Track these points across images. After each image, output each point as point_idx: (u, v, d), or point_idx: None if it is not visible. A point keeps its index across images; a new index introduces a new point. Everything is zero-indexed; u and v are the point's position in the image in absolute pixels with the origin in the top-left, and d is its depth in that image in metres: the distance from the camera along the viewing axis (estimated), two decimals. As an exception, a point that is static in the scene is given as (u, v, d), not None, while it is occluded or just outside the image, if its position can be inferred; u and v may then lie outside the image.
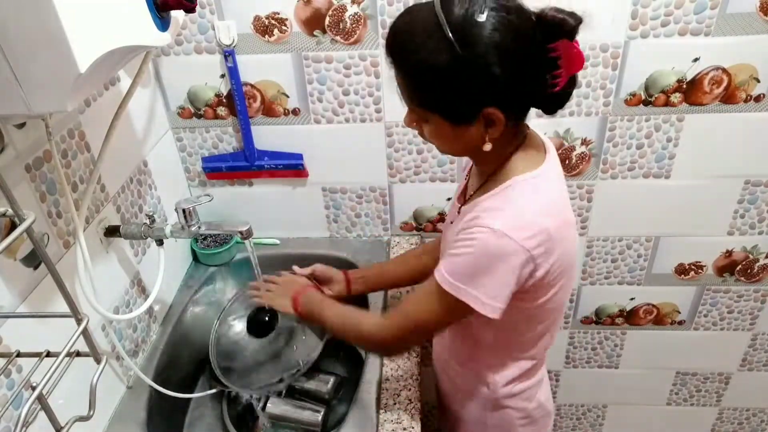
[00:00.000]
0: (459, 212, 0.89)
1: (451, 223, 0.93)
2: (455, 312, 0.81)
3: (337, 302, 1.05)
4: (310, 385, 1.18)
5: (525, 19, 0.69)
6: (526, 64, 0.69)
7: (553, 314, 0.90)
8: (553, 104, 0.77)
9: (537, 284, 0.79)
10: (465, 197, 0.91)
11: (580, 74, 1.17)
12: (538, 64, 0.70)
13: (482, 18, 0.66)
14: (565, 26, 0.68)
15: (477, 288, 0.76)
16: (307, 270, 1.17)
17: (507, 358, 0.95)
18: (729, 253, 1.44)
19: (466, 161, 1.00)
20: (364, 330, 0.93)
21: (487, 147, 0.76)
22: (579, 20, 0.69)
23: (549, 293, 0.83)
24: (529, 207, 0.77)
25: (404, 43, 0.71)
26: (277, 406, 1.14)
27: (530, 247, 0.74)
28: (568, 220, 0.82)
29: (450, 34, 0.66)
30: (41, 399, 0.60)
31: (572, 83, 0.74)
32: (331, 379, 1.18)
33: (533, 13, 0.71)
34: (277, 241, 1.46)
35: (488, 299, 0.76)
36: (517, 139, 0.81)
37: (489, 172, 0.83)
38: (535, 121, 1.24)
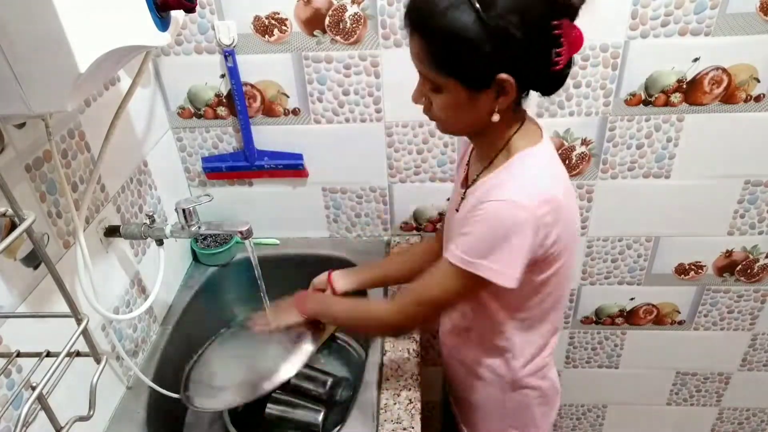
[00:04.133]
0: (464, 197, 0.90)
1: (456, 210, 0.93)
2: (471, 289, 0.83)
3: (342, 297, 1.07)
4: (308, 385, 1.18)
5: None
6: (539, 34, 0.72)
7: (561, 287, 0.91)
8: (552, 84, 0.80)
9: (546, 253, 0.82)
10: (467, 183, 0.93)
11: (580, 74, 1.18)
12: (546, 38, 0.73)
13: None
14: (568, 4, 0.72)
15: (493, 260, 0.78)
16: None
17: (520, 336, 0.96)
18: (729, 253, 1.44)
19: (462, 152, 1.00)
20: (374, 315, 0.96)
21: (496, 117, 0.78)
22: (582, 1, 0.73)
23: (556, 264, 0.85)
24: (536, 176, 0.80)
25: (427, 6, 0.73)
26: (276, 407, 1.14)
27: (541, 214, 0.77)
28: (569, 189, 0.86)
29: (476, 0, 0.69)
30: (41, 399, 0.60)
31: (569, 65, 0.77)
32: (329, 380, 1.18)
33: None
34: (277, 241, 1.46)
35: (506, 268, 0.78)
36: (517, 121, 0.84)
37: (492, 155, 0.85)
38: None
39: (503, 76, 0.73)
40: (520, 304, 0.92)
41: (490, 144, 0.86)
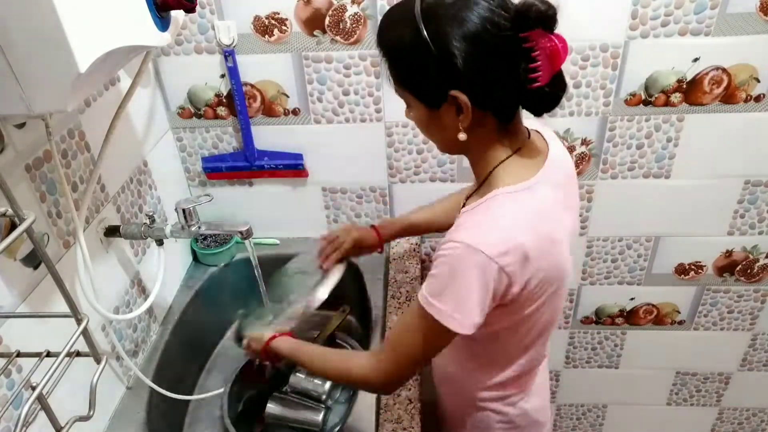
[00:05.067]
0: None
1: None
2: (437, 335, 0.77)
3: (312, 344, 1.02)
4: (307, 384, 1.18)
5: (500, 7, 0.69)
6: (491, 50, 0.68)
7: (538, 327, 0.86)
8: (538, 103, 0.73)
9: (515, 299, 0.77)
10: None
11: (580, 74, 1.18)
12: (507, 53, 0.68)
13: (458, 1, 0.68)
14: (532, 12, 0.66)
15: (449, 305, 0.73)
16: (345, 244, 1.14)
17: (491, 365, 0.94)
18: (729, 253, 1.44)
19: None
20: (355, 374, 0.88)
21: (462, 136, 0.74)
22: (549, 6, 0.67)
23: (531, 307, 0.80)
24: (505, 221, 0.74)
25: (382, 23, 0.75)
26: (276, 407, 1.14)
27: (504, 264, 0.71)
28: (552, 236, 0.77)
29: (418, 12, 0.69)
30: (41, 399, 0.60)
31: (559, 83, 0.72)
32: (328, 383, 1.18)
33: (513, 5, 0.69)
34: (277, 241, 1.46)
35: (459, 315, 0.74)
36: (507, 144, 0.78)
37: (480, 179, 0.81)
38: (535, 120, 1.25)
39: (454, 92, 0.70)
40: (493, 341, 0.88)
41: (478, 168, 0.81)
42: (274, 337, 1.00)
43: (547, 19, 0.67)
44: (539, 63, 0.67)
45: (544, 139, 0.84)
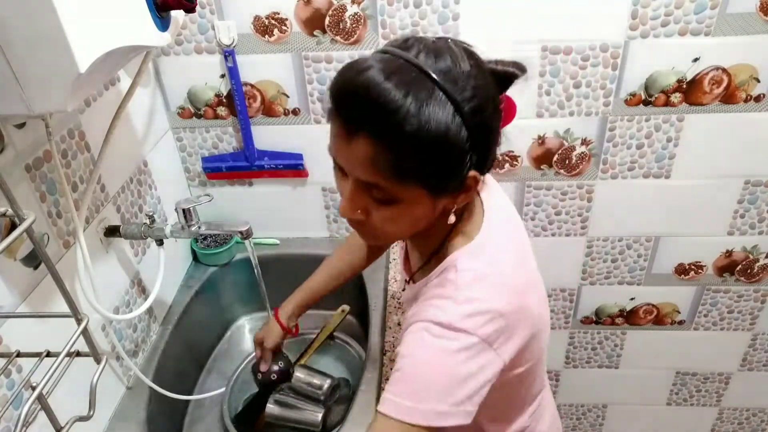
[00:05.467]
0: (407, 284, 0.82)
1: (403, 290, 0.86)
2: None
3: None
4: (307, 385, 1.18)
5: (486, 64, 0.63)
6: (498, 115, 0.63)
7: (533, 369, 0.77)
8: (490, 165, 0.67)
9: (508, 361, 0.67)
10: (409, 264, 0.83)
11: (580, 74, 1.18)
12: (499, 116, 0.64)
13: (465, 65, 0.58)
14: (513, 78, 0.63)
15: (440, 400, 0.62)
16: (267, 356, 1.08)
17: (504, 422, 0.85)
18: (729, 253, 1.44)
19: None
20: None
21: (452, 219, 0.67)
22: (524, 71, 0.64)
23: (517, 370, 0.72)
24: (476, 290, 0.65)
25: (389, 106, 0.54)
26: (276, 407, 1.14)
27: (486, 334, 0.63)
28: (520, 288, 0.70)
29: (448, 87, 0.55)
30: (41, 399, 0.60)
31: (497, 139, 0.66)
32: (328, 381, 1.18)
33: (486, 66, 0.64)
34: (277, 241, 1.46)
35: (453, 407, 0.62)
36: (460, 210, 0.70)
37: (428, 253, 0.73)
38: (535, 120, 1.25)
39: (473, 173, 0.61)
40: (496, 403, 0.75)
41: (424, 241, 0.73)
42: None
43: (517, 77, 0.64)
44: (501, 122, 0.65)
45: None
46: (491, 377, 0.65)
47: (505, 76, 0.64)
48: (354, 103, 0.57)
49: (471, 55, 0.60)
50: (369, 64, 0.57)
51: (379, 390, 1.06)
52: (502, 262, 0.70)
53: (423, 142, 0.55)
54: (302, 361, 1.25)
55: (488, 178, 0.74)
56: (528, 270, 0.74)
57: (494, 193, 0.76)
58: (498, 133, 0.64)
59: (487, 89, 0.60)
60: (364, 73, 0.56)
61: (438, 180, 0.60)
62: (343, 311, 1.31)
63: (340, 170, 0.65)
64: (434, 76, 0.55)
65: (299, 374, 1.19)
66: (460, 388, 0.62)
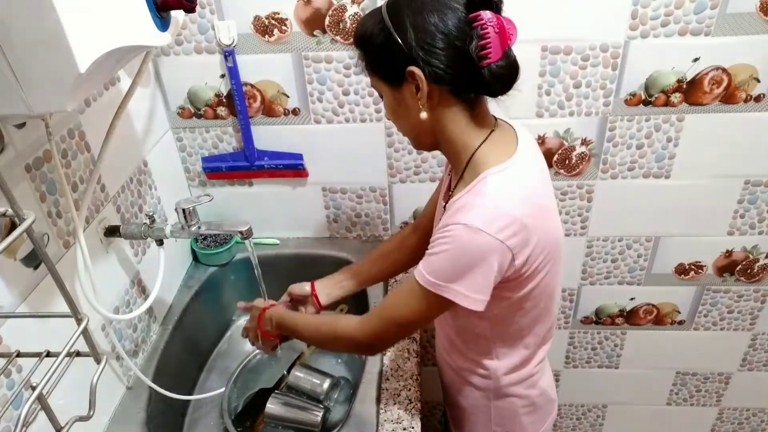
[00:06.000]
0: (444, 209, 0.90)
1: (440, 221, 0.93)
2: (437, 308, 0.83)
3: (307, 315, 1.09)
4: (306, 384, 1.18)
5: None
6: (441, 25, 0.74)
7: (543, 300, 0.90)
8: (492, 82, 0.75)
9: (518, 274, 0.81)
10: (448, 195, 0.93)
11: (580, 74, 1.18)
12: (456, 29, 0.74)
13: None
14: None
15: (458, 283, 0.78)
16: (283, 297, 1.17)
17: (504, 347, 0.96)
18: (729, 253, 1.44)
19: (446, 162, 1.00)
20: (342, 333, 0.93)
21: (423, 115, 0.79)
22: None
23: (534, 281, 0.84)
24: (500, 199, 0.78)
25: (359, 29, 0.82)
26: (276, 407, 1.14)
27: (505, 238, 0.75)
28: (544, 206, 0.84)
29: (384, 4, 0.78)
30: (41, 399, 0.60)
31: (512, 63, 0.76)
32: (327, 381, 1.18)
33: None
34: (277, 241, 1.46)
35: (470, 293, 0.78)
36: (479, 128, 0.82)
37: (461, 168, 0.84)
38: (535, 121, 1.25)
39: (411, 68, 0.76)
40: (502, 320, 0.91)
41: (456, 157, 0.85)
42: (264, 310, 1.06)
43: (493, 3, 0.74)
44: (489, 40, 0.73)
45: (512, 127, 0.88)
46: (503, 272, 0.79)
47: None
48: (354, 34, 0.84)
49: None
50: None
51: (379, 390, 1.06)
52: (528, 180, 0.83)
53: (362, 40, 0.81)
54: (301, 361, 1.25)
55: (523, 135, 0.87)
56: (551, 198, 0.88)
57: (527, 137, 0.89)
58: (454, 41, 0.74)
59: (433, 9, 0.74)
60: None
61: (381, 69, 0.81)
62: (341, 310, 1.31)
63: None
64: (384, 8, 0.78)
65: (299, 373, 1.19)
66: (478, 280, 0.77)
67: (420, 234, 1.13)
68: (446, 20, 0.74)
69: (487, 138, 0.82)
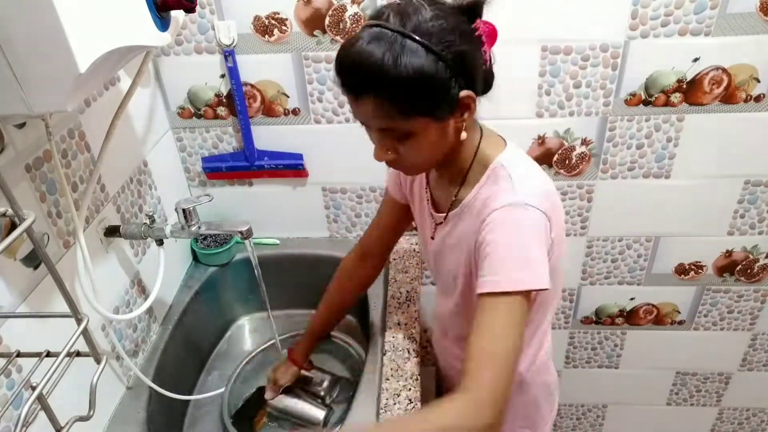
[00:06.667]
0: (444, 220, 0.89)
1: (432, 238, 0.93)
2: (524, 311, 0.73)
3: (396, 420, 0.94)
4: (306, 382, 1.18)
5: (449, 4, 0.75)
6: (472, 41, 0.74)
7: (558, 277, 0.87)
8: (487, 83, 0.80)
9: (550, 243, 0.80)
10: (438, 206, 0.92)
11: (580, 74, 1.18)
12: (474, 42, 0.75)
13: (428, 13, 0.71)
14: (478, 6, 0.75)
15: (531, 266, 0.73)
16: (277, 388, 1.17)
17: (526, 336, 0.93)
18: (729, 253, 1.44)
19: (410, 180, 1.00)
20: (449, 426, 0.67)
21: (464, 135, 0.79)
22: None
23: (553, 257, 0.81)
24: (526, 175, 0.80)
25: (371, 65, 0.70)
26: (280, 400, 1.14)
27: (546, 208, 0.77)
28: (554, 190, 0.86)
29: (410, 33, 0.69)
30: (41, 399, 0.60)
31: (491, 59, 0.79)
32: (328, 378, 1.18)
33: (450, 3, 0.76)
34: (277, 241, 1.46)
35: (542, 269, 0.74)
36: (477, 131, 0.85)
37: (464, 171, 0.84)
38: (535, 121, 1.25)
39: (464, 93, 0.74)
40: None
41: (462, 163, 0.84)
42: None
43: (482, 7, 0.75)
44: (486, 47, 0.76)
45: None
46: (550, 244, 0.78)
47: (469, 6, 0.75)
48: (350, 72, 0.72)
49: (432, 1, 0.73)
50: (354, 39, 0.72)
51: (379, 390, 1.06)
52: (535, 166, 0.85)
53: (407, 84, 0.70)
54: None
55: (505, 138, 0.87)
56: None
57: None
58: (477, 54, 0.75)
59: (452, 24, 0.71)
60: (353, 47, 0.71)
61: (434, 108, 0.74)
62: None
63: (364, 126, 0.79)
64: (403, 30, 0.69)
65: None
66: (540, 251, 0.75)
67: (371, 263, 1.14)
68: (468, 30, 0.74)
69: (482, 134, 0.85)
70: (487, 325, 0.72)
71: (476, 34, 0.74)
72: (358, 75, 0.71)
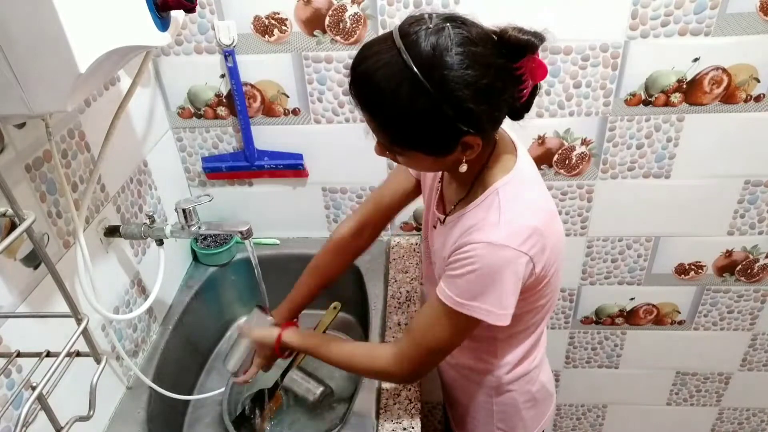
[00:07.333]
0: (443, 222, 0.89)
1: (434, 228, 0.93)
2: (467, 328, 0.83)
3: (327, 336, 1.09)
4: (300, 389, 1.19)
5: (489, 45, 0.69)
6: (496, 92, 0.70)
7: (551, 297, 0.91)
8: (519, 114, 0.79)
9: (537, 279, 0.82)
10: (444, 205, 0.92)
11: (580, 74, 1.18)
12: (506, 87, 0.71)
13: (451, 58, 0.66)
14: (530, 47, 0.70)
15: (487, 302, 0.77)
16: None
17: (509, 345, 0.97)
18: (729, 253, 1.44)
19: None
20: (378, 366, 0.91)
21: (463, 168, 0.77)
22: (543, 39, 0.70)
23: (544, 281, 0.85)
24: (517, 211, 0.78)
25: (375, 91, 0.69)
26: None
27: (527, 250, 0.76)
28: (551, 210, 0.85)
29: (422, 78, 0.65)
30: (41, 399, 0.60)
31: (535, 91, 0.76)
32: (320, 389, 1.18)
33: (494, 32, 0.71)
34: (277, 241, 1.46)
35: (498, 309, 0.78)
36: (490, 147, 0.82)
37: (467, 186, 0.84)
38: (535, 121, 1.25)
39: (467, 138, 0.71)
40: (515, 321, 0.88)
41: (466, 176, 0.82)
42: (280, 337, 1.02)
43: (536, 46, 0.70)
44: (526, 83, 0.72)
45: (505, 131, 0.87)
46: (525, 281, 0.79)
47: (515, 45, 0.70)
48: (356, 87, 0.73)
49: (463, 42, 0.67)
50: (375, 48, 0.70)
51: (379, 390, 1.06)
52: (534, 185, 0.84)
53: (406, 121, 0.69)
54: (298, 362, 1.24)
55: (517, 141, 0.86)
56: (551, 198, 0.87)
57: (517, 139, 0.88)
58: (508, 92, 0.71)
59: (478, 73, 0.67)
60: (364, 63, 0.70)
61: (430, 147, 0.73)
62: (335, 308, 1.30)
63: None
64: (416, 69, 0.65)
65: (295, 376, 1.19)
66: (507, 295, 0.77)
67: (369, 233, 1.10)
68: (497, 80, 0.69)
69: (492, 151, 0.82)
70: (426, 317, 0.85)
71: (516, 73, 0.70)
72: (360, 95, 0.72)
